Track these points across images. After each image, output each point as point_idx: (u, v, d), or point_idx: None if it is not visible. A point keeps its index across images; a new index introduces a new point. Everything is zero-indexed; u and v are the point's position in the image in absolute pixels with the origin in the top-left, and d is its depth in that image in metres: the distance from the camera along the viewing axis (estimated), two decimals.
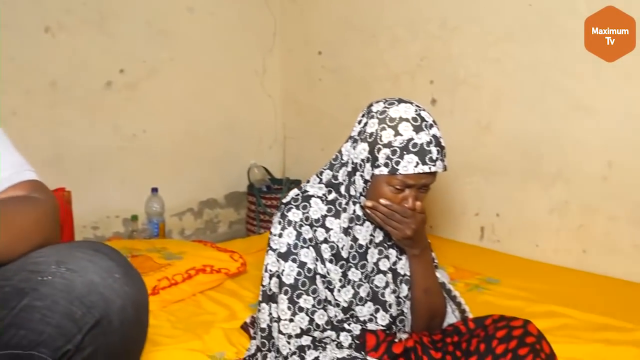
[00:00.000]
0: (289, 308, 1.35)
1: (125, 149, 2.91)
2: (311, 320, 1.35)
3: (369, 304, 1.41)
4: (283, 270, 1.36)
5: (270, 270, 1.40)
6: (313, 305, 1.36)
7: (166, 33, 2.98)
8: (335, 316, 1.40)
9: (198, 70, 3.13)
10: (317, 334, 1.36)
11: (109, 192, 2.88)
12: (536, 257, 2.46)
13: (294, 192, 1.45)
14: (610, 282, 2.20)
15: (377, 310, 1.42)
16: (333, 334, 1.39)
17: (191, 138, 3.15)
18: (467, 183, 2.67)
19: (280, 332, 1.36)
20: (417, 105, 1.35)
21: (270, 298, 1.40)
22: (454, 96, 2.68)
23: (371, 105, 1.39)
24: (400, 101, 1.36)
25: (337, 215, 1.40)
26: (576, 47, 2.25)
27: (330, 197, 1.42)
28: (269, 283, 1.40)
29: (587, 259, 2.34)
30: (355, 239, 1.40)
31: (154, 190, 2.94)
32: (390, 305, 1.42)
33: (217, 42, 3.19)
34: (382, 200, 1.32)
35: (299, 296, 1.35)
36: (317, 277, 1.37)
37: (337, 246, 1.39)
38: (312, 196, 1.41)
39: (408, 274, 1.44)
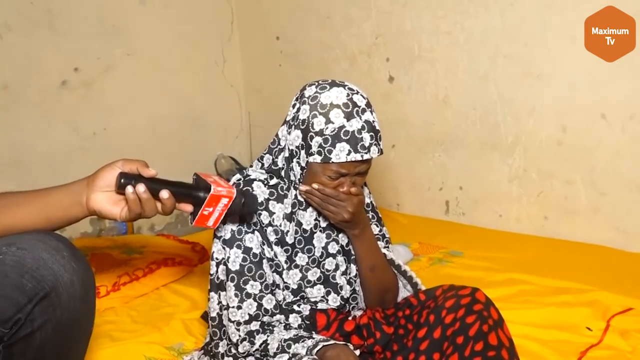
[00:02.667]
0: (236, 295, 1.34)
1: (86, 149, 2.85)
2: (259, 306, 1.34)
3: (319, 286, 1.41)
4: (229, 257, 1.35)
5: (217, 259, 1.39)
6: (260, 290, 1.35)
7: (119, 28, 2.93)
8: (284, 299, 1.40)
9: (156, 64, 3.07)
10: (266, 318, 1.35)
11: None
12: (500, 227, 2.48)
13: (236, 177, 1.43)
14: (570, 245, 2.22)
15: (328, 293, 1.41)
16: (282, 317, 1.38)
17: (155, 133, 3.10)
18: (429, 159, 2.67)
19: (229, 319, 1.35)
20: (349, 89, 1.31)
21: (219, 286, 1.39)
22: (410, 72, 2.68)
23: (304, 88, 1.36)
24: (332, 85, 1.32)
25: (279, 200, 1.39)
26: (522, 13, 2.26)
27: (272, 181, 1.41)
28: (217, 271, 1.39)
29: (548, 225, 2.36)
30: (299, 224, 1.39)
31: None
32: (341, 287, 1.42)
33: (173, 34, 3.14)
34: (315, 185, 1.31)
35: (245, 282, 1.34)
36: (264, 261, 1.36)
37: (282, 231, 1.38)
38: (254, 180, 1.40)
39: None
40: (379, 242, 1.48)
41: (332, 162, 1.27)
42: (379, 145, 1.31)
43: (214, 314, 1.40)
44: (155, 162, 3.14)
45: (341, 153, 1.26)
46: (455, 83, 2.54)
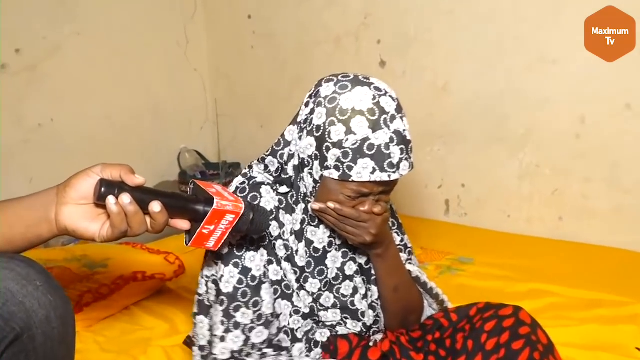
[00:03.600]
0: (222, 322, 1.19)
1: (30, 142, 2.71)
2: (247, 340, 1.20)
3: (335, 310, 1.29)
4: (222, 275, 1.20)
5: (207, 276, 1.24)
6: (252, 321, 1.20)
7: (68, 4, 2.77)
8: (291, 327, 1.26)
9: (111, 45, 2.94)
10: (250, 353, 1.22)
11: (15, 193, 2.61)
12: (508, 228, 2.42)
13: (239, 180, 1.28)
14: (591, 250, 2.17)
15: (346, 318, 1.30)
16: (271, 351, 1.24)
17: (109, 124, 2.98)
18: (427, 153, 2.58)
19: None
20: (376, 89, 1.16)
21: (210, 309, 1.24)
22: (405, 56, 2.59)
23: (320, 84, 1.21)
24: (355, 83, 1.16)
25: (288, 211, 1.25)
26: None
27: (282, 189, 1.27)
28: (206, 291, 1.25)
29: (563, 226, 2.31)
30: (309, 243, 1.26)
31: None
32: (362, 314, 1.30)
33: (129, 11, 3.00)
34: (330, 204, 1.16)
35: (236, 309, 1.19)
36: (264, 286, 1.21)
37: (291, 248, 1.25)
38: (262, 184, 1.25)
39: None
40: (401, 255, 1.36)
41: (353, 180, 1.13)
42: (410, 158, 1.16)
43: (203, 342, 1.25)
44: (111, 156, 2.98)
45: (364, 171, 1.12)
46: (457, 69, 2.47)
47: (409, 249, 1.43)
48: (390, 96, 1.16)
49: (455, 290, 1.80)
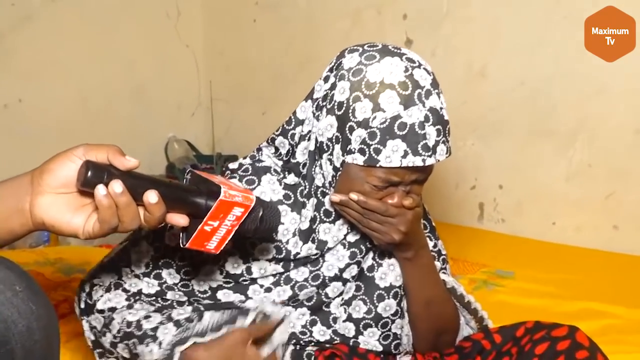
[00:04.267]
0: (147, 265, 1.25)
1: None
2: (160, 293, 1.26)
3: (304, 310, 1.28)
4: (171, 230, 1.22)
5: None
6: (175, 284, 1.25)
7: None
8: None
9: (89, 15, 2.98)
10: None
11: None
12: (554, 238, 2.43)
13: (245, 160, 1.30)
14: None
15: (313, 323, 1.29)
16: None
17: (86, 107, 3.01)
18: (459, 148, 2.58)
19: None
20: (408, 60, 1.15)
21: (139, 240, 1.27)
22: (435, 34, 2.61)
23: (343, 55, 1.20)
24: (384, 52, 1.15)
25: (295, 207, 1.25)
26: None
27: (289, 179, 1.27)
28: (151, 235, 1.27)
29: (618, 236, 2.32)
30: (321, 244, 1.25)
31: None
32: (335, 320, 1.29)
33: None
34: (353, 195, 1.15)
35: (166, 265, 1.24)
36: (209, 267, 1.24)
37: (288, 251, 1.24)
38: (269, 169, 1.26)
39: (395, 283, 1.31)
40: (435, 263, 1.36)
41: (380, 166, 1.13)
42: (448, 142, 1.16)
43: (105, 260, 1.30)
44: None
45: (394, 155, 1.11)
46: (498, 50, 2.48)
47: (443, 257, 1.42)
48: (425, 69, 1.16)
49: (494, 309, 1.78)
